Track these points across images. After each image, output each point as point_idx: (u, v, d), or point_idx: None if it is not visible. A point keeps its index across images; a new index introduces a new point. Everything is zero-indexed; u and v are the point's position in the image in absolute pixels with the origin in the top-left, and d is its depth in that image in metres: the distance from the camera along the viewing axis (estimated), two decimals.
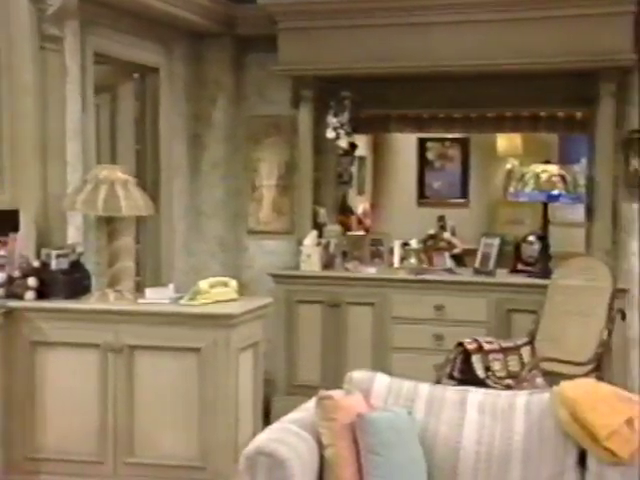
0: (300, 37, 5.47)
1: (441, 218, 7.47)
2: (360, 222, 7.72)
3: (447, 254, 5.81)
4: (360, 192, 8.07)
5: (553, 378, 4.05)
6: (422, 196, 8.37)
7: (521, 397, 2.91)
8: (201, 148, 6.07)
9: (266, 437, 2.78)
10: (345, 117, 5.55)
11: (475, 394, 2.96)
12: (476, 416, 2.88)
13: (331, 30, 5.41)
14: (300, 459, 2.70)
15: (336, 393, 2.93)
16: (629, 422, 2.68)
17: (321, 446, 2.80)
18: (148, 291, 4.26)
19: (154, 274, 5.59)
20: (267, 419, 4.26)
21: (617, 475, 2.62)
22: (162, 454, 3.95)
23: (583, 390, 2.80)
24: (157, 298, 4.17)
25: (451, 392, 3.01)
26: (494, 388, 4.24)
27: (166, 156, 5.68)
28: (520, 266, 5.57)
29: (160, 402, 3.96)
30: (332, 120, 5.57)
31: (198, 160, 6.07)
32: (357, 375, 3.09)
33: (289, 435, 2.78)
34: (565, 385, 2.85)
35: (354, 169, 6.79)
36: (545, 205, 5.37)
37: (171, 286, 4.33)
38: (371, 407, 2.95)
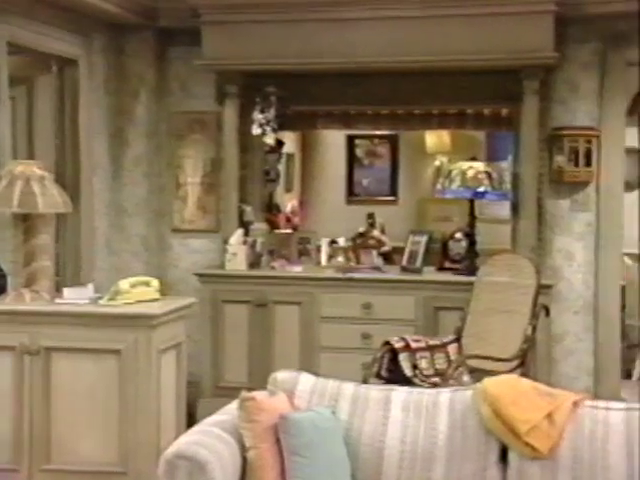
0: (224, 31, 5.44)
1: (370, 216, 7.51)
2: (288, 220, 7.69)
3: (375, 252, 5.85)
4: (288, 190, 8.06)
5: (480, 375, 4.10)
6: (351, 193, 8.41)
7: (445, 395, 2.95)
8: (123, 144, 5.98)
9: (186, 440, 2.75)
10: (271, 113, 5.54)
11: (399, 393, 2.99)
12: (400, 415, 2.91)
13: (256, 24, 5.39)
14: (221, 462, 2.69)
15: (259, 394, 2.93)
16: (549, 417, 2.74)
17: (243, 448, 2.79)
18: (66, 291, 4.19)
19: (74, 274, 5.48)
20: (192, 422, 4.21)
21: (537, 469, 2.68)
22: (81, 460, 3.88)
23: (505, 386, 2.85)
24: (75, 298, 4.09)
25: (375, 391, 3.03)
26: (421, 386, 4.30)
27: (86, 151, 5.58)
28: (447, 263, 5.64)
29: (78, 406, 3.89)
30: (258, 116, 5.55)
31: (120, 156, 5.98)
32: (281, 375, 3.08)
33: (210, 438, 2.77)
34: (487, 382, 2.90)
35: (281, 166, 6.77)
36: (471, 202, 5.45)
37: (90, 286, 4.26)
38: (295, 408, 2.96)
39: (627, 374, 6.94)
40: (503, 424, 2.75)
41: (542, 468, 2.67)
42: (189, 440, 2.75)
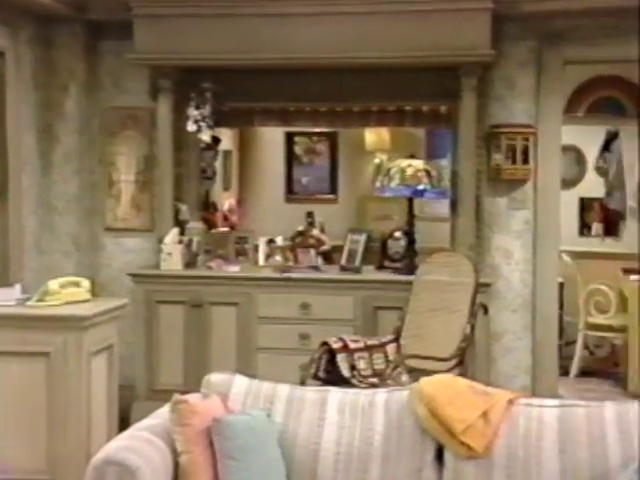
0: (157, 24, 5.38)
1: (310, 214, 7.50)
2: (226, 219, 7.66)
3: (313, 251, 5.85)
4: (226, 188, 8.02)
5: (418, 375, 4.13)
6: (290, 192, 8.40)
7: (381, 395, 2.97)
8: (53, 139, 5.87)
9: (116, 445, 2.72)
10: (207, 110, 5.49)
11: (335, 394, 3.00)
12: (336, 416, 2.92)
13: (190, 18, 5.34)
14: (152, 467, 2.66)
15: (192, 397, 2.91)
16: (484, 416, 2.78)
17: (175, 453, 2.77)
18: None
19: (2, 274, 5.36)
20: (125, 427, 4.16)
21: (472, 469, 2.72)
22: (7, 467, 3.80)
23: (441, 385, 2.89)
24: (2, 299, 4.01)
25: (311, 392, 3.03)
26: (359, 387, 4.31)
27: (14, 147, 5.46)
28: (387, 262, 5.67)
29: (4, 411, 3.81)
30: (193, 112, 5.50)
31: (49, 152, 5.87)
32: (215, 378, 3.07)
33: (140, 443, 2.74)
34: (423, 381, 2.93)
35: (218, 164, 6.74)
36: (410, 200, 5.50)
37: (17, 286, 4.18)
38: (229, 410, 2.94)
39: (565, 371, 7.09)
40: (439, 424, 2.78)
41: (477, 467, 2.71)
42: (118, 445, 2.71)
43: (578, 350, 7.17)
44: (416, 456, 2.79)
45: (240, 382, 3.06)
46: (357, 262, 5.51)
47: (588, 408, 2.74)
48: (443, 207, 6.65)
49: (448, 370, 4.39)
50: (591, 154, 7.85)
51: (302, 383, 4.28)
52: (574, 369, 7.13)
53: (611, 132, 7.57)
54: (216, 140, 6.06)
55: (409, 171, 5.32)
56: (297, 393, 3.02)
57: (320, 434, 2.89)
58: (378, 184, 5.55)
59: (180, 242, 5.56)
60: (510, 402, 2.84)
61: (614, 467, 2.57)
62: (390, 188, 5.40)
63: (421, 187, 5.34)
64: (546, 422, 2.74)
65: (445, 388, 2.87)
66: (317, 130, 7.90)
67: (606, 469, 2.58)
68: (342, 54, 5.24)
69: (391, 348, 4.82)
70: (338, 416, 2.92)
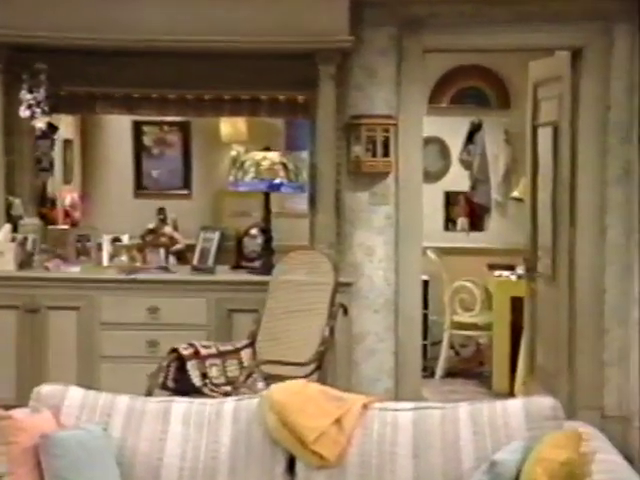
0: None
1: (161, 210, 7.42)
2: (67, 215, 7.48)
3: (163, 251, 5.78)
4: (67, 181, 7.81)
5: (275, 381, 4.16)
6: (140, 186, 8.27)
7: (229, 404, 2.97)
8: None
9: None
10: (41, 94, 5.31)
11: (179, 404, 2.98)
12: (180, 428, 2.90)
13: None
14: None
15: (18, 412, 2.83)
16: (338, 422, 2.82)
17: None
18: None
19: None
20: None
21: (323, 478, 2.75)
22: None
23: (291, 392, 2.91)
24: None
25: (153, 404, 3.00)
26: (211, 397, 4.29)
27: None
28: (242, 262, 5.67)
29: None
30: (26, 96, 5.31)
31: None
32: (46, 390, 3.00)
33: None
34: (274, 388, 2.95)
35: (57, 154, 6.56)
36: (267, 195, 5.51)
37: None
38: (61, 426, 2.87)
39: (432, 372, 7.31)
40: (290, 433, 2.80)
41: (329, 477, 2.75)
42: None
43: (444, 350, 7.39)
44: (266, 468, 2.80)
45: (74, 394, 2.99)
46: (210, 262, 5.48)
47: (443, 410, 2.83)
48: (303, 202, 6.72)
49: (306, 375, 4.43)
50: (456, 146, 8.10)
51: (149, 394, 4.22)
52: (440, 370, 7.35)
53: (474, 123, 7.84)
54: (53, 127, 5.88)
55: (264, 164, 5.34)
56: (138, 405, 2.97)
57: (162, 448, 2.86)
58: (232, 178, 5.54)
59: (13, 240, 5.39)
60: (364, 407, 2.89)
61: (467, 470, 2.66)
62: (245, 182, 5.40)
63: (277, 181, 5.36)
64: (401, 426, 2.81)
65: (296, 395, 2.90)
66: (168, 119, 7.81)
67: (459, 473, 2.67)
68: (191, 37, 5.19)
69: (246, 354, 4.82)
70: (182, 428, 2.90)
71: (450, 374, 7.38)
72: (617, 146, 5.50)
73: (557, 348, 5.74)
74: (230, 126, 8.03)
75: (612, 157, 5.51)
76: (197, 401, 3.05)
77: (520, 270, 6.83)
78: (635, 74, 5.41)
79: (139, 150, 8.23)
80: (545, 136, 6.03)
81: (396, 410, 2.88)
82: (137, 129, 8.15)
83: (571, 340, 5.59)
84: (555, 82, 5.83)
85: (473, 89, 8.00)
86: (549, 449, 2.49)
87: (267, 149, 5.55)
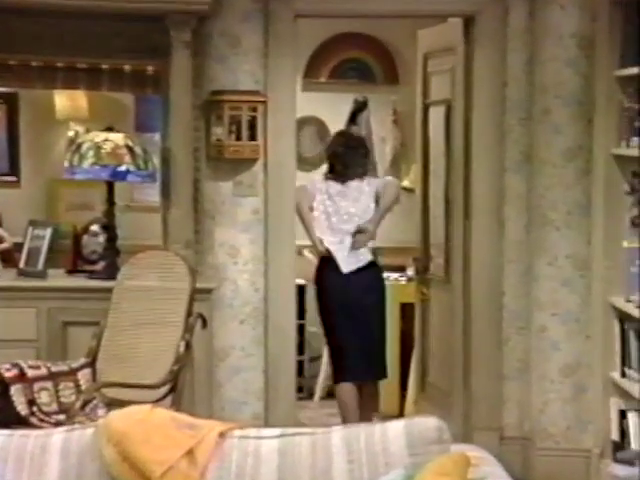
0: None
1: None
2: None
3: None
4: None
5: (121, 407, 4.13)
6: None
7: (57, 436, 2.93)
8: None
9: None
10: None
11: None
12: None
13: None
14: None
15: None
16: (190, 454, 2.83)
17: None
18: None
19: None
20: None
21: None
22: None
23: (134, 420, 2.90)
24: None
25: None
26: (40, 428, 4.23)
27: None
28: (81, 265, 5.65)
29: None
30: None
31: None
32: None
33: None
34: (113, 415, 2.94)
35: None
36: (110, 185, 5.46)
37: None
38: None
39: (311, 393, 7.37)
40: (131, 468, 2.79)
41: None
42: None
43: (324, 367, 7.40)
44: None
45: None
46: (40, 264, 5.43)
47: (313, 436, 2.86)
48: (156, 194, 6.67)
49: (158, 400, 4.43)
50: (336, 128, 8.13)
51: None
52: (319, 390, 7.39)
53: (358, 101, 7.92)
54: None
55: (106, 147, 5.29)
56: None
57: None
58: (67, 164, 5.46)
59: None
60: (221, 435, 2.90)
61: None
62: (82, 169, 5.34)
63: (123, 168, 5.33)
64: (264, 457, 2.82)
65: (140, 423, 2.88)
66: None
67: None
68: None
69: (84, 375, 4.79)
70: None
71: (331, 395, 7.42)
72: (516, 127, 5.67)
73: (451, 361, 5.89)
74: (67, 100, 7.88)
75: (511, 141, 5.68)
76: (18, 433, 2.99)
77: (410, 272, 6.97)
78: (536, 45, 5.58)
79: None
80: (437, 116, 6.19)
81: (259, 438, 2.90)
82: None
83: (466, 352, 5.75)
84: (447, 54, 5.99)
85: (356, 61, 8.08)
86: (432, 477, 2.56)
87: (110, 129, 5.49)
